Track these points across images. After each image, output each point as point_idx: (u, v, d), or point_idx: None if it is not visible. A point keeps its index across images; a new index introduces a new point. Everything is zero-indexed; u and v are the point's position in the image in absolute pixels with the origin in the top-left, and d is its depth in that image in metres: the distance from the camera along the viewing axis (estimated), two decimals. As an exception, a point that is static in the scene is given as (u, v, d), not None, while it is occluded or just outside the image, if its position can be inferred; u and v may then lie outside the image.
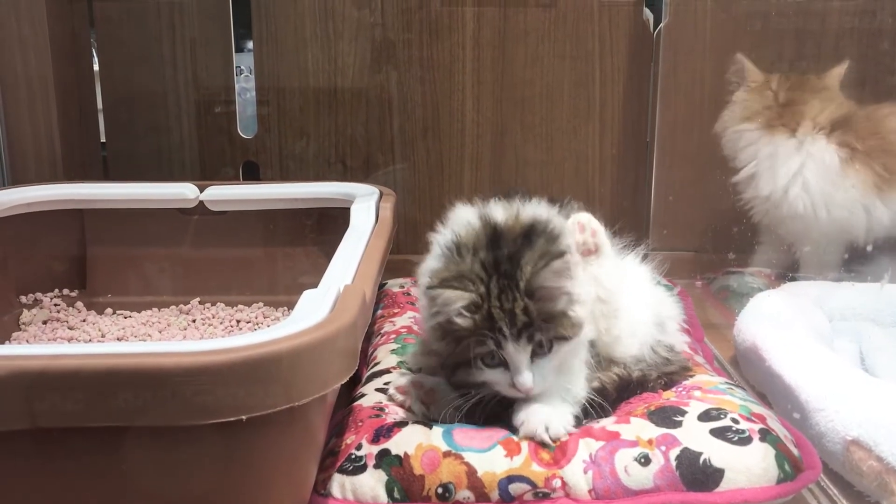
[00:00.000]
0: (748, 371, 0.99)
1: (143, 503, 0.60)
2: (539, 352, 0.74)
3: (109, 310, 1.18)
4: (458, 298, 0.73)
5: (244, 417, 0.57)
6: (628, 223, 1.45)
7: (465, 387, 0.77)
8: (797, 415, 0.83)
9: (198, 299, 1.20)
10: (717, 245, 1.38)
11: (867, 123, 1.18)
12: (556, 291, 0.74)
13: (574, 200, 0.91)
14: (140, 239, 1.21)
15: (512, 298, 0.73)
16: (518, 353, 0.73)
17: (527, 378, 0.74)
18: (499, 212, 0.80)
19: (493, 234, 0.77)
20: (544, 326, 0.73)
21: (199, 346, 0.58)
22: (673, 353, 0.89)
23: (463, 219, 0.81)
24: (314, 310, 0.65)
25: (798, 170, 1.17)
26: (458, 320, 0.74)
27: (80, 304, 1.19)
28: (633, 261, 0.92)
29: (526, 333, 0.73)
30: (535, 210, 0.80)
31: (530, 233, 0.77)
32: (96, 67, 1.43)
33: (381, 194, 1.13)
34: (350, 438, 0.78)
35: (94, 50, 1.42)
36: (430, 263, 0.80)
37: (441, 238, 0.81)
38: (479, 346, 0.74)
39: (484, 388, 0.76)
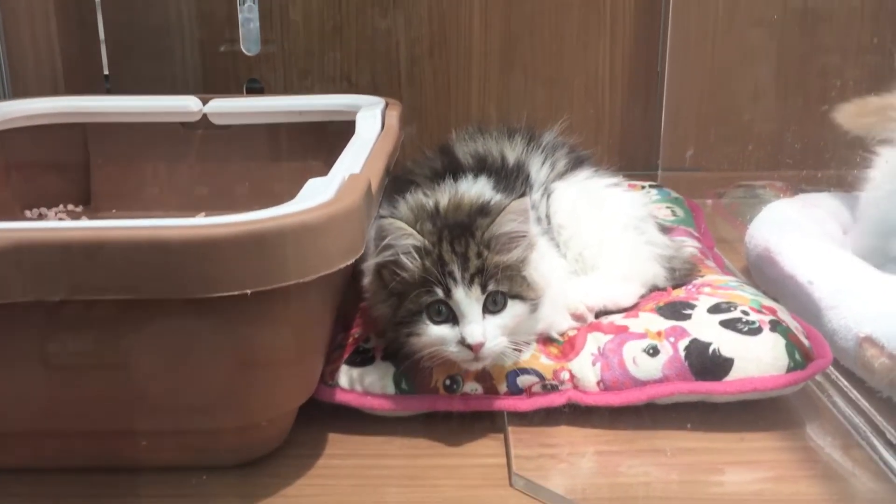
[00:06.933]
0: (760, 278, 0.98)
1: (149, 379, 0.60)
2: (492, 308, 0.69)
3: (115, 224, 1.17)
4: (410, 234, 0.69)
5: (248, 292, 0.56)
6: (638, 142, 1.46)
7: (409, 355, 0.71)
8: (810, 314, 0.82)
9: (203, 214, 1.19)
10: (730, 164, 1.36)
11: None
12: (514, 239, 0.70)
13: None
14: (144, 154, 1.20)
15: (465, 244, 0.69)
16: (469, 300, 0.67)
17: (476, 330, 0.67)
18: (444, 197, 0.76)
19: (437, 210, 0.73)
20: (499, 277, 0.68)
21: (205, 220, 0.58)
22: (669, 248, 0.88)
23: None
24: (319, 193, 0.64)
25: None
26: (407, 260, 0.69)
27: (84, 219, 1.18)
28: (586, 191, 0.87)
29: (479, 281, 0.68)
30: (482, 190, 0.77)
31: (484, 206, 0.73)
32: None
33: (387, 104, 1.10)
34: (358, 332, 0.78)
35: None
36: None
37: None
38: (427, 295, 0.68)
39: (431, 353, 0.70)
